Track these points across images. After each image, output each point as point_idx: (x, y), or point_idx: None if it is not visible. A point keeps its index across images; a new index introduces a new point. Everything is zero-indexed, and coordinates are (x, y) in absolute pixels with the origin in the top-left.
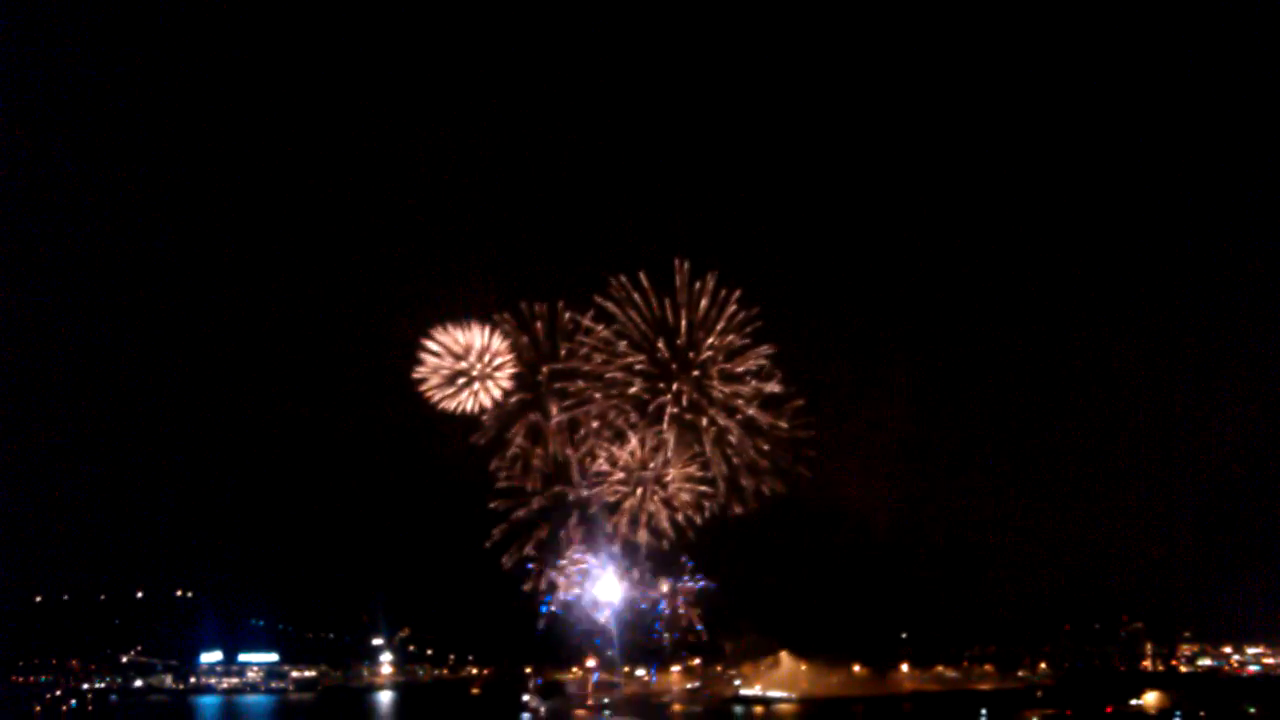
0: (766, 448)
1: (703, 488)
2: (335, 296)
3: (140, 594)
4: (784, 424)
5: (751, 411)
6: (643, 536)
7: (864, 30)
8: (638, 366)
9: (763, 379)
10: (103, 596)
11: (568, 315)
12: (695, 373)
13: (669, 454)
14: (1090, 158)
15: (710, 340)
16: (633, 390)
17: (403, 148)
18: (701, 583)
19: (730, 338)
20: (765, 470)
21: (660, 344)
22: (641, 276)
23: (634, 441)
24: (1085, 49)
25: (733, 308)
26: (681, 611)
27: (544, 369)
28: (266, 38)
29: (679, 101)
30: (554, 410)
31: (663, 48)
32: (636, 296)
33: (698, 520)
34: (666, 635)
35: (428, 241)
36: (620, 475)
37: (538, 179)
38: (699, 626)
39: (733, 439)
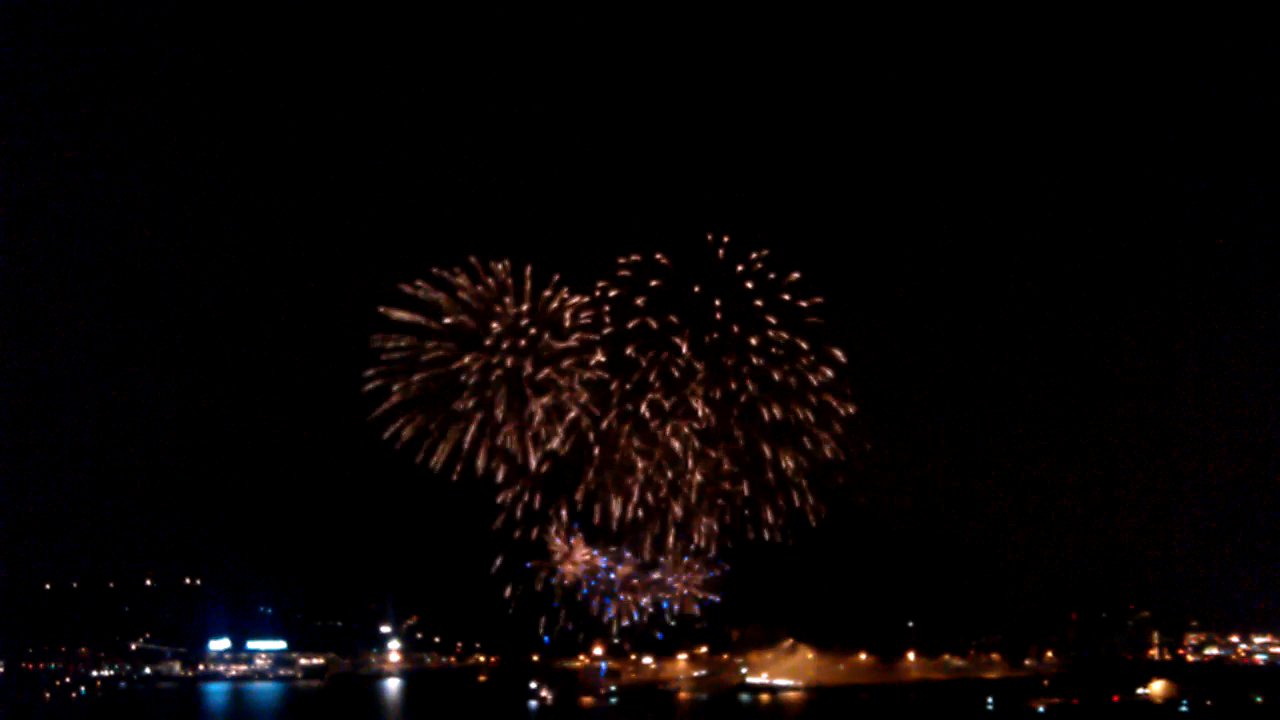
0: (808, 466)
1: (726, 485)
2: (341, 284)
3: (149, 581)
4: (841, 451)
5: (798, 421)
6: (670, 550)
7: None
8: (653, 375)
9: (825, 389)
10: (111, 584)
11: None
12: (732, 384)
13: (692, 470)
14: (1103, 161)
15: (752, 339)
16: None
17: (409, 138)
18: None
19: (780, 334)
20: (810, 495)
21: (684, 339)
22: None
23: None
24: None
25: (785, 296)
26: (687, 594)
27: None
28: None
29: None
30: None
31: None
32: (655, 283)
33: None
34: (674, 622)
35: (440, 227)
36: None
37: (561, 158)
38: (706, 602)
39: (765, 451)
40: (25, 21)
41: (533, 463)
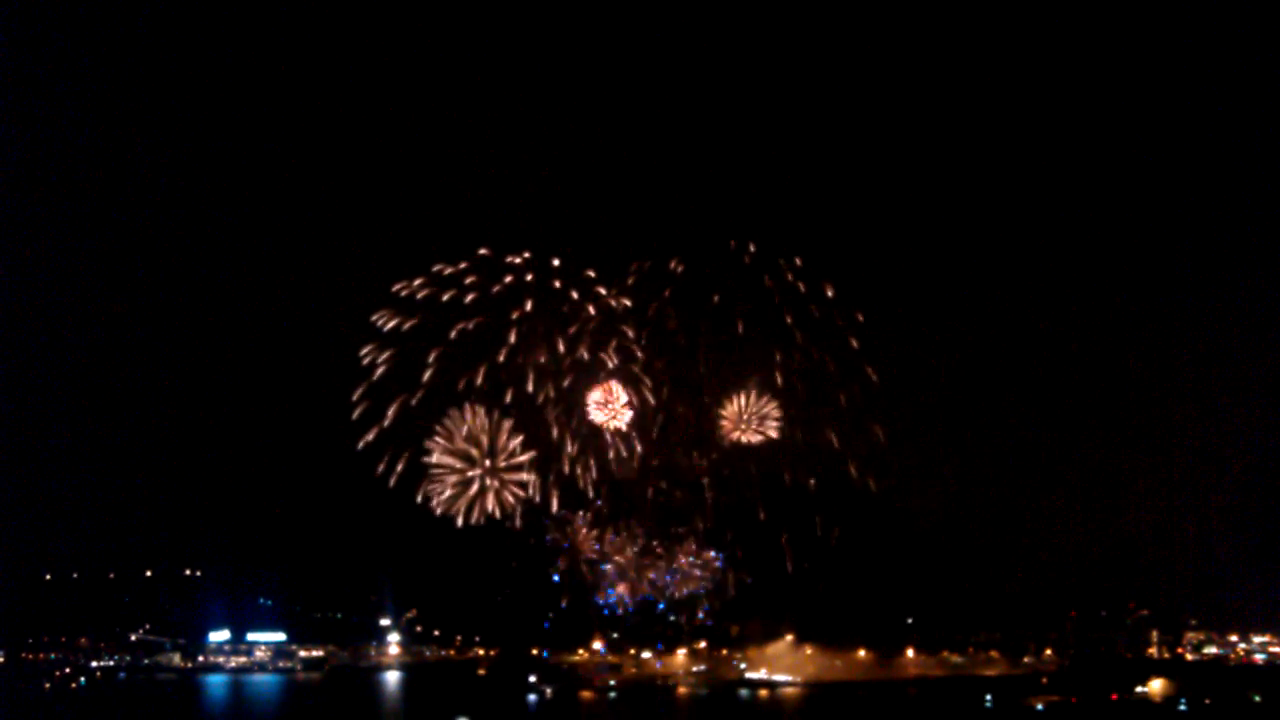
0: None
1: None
2: (340, 274)
3: (149, 573)
4: (870, 478)
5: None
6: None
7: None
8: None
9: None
10: (112, 575)
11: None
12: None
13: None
14: (1127, 162)
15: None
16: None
17: (429, 140)
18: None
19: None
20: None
21: (701, 355)
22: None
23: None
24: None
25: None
26: (695, 581)
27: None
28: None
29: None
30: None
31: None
32: (668, 292)
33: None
34: (675, 617)
35: (444, 223)
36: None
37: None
38: (707, 607)
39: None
40: (25, 21)
41: (554, 504)
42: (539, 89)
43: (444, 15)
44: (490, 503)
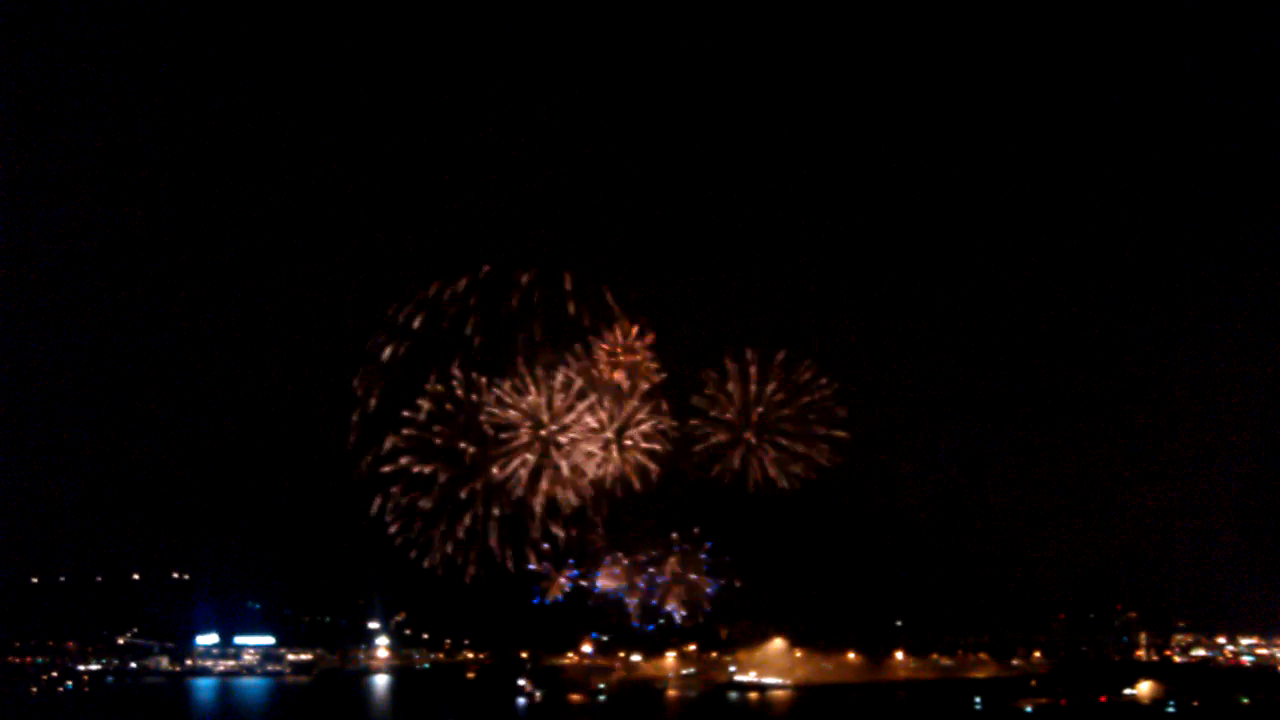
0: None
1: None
2: (341, 280)
3: (136, 576)
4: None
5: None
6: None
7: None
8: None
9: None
10: (99, 578)
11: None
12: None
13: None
14: (1126, 163)
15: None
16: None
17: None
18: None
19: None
20: None
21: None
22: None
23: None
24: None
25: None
26: (691, 577)
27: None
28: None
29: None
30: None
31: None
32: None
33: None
34: (664, 620)
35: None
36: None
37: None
38: (709, 591)
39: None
40: (24, 21)
41: (560, 537)
42: (538, 92)
43: (451, 18)
44: (494, 539)
